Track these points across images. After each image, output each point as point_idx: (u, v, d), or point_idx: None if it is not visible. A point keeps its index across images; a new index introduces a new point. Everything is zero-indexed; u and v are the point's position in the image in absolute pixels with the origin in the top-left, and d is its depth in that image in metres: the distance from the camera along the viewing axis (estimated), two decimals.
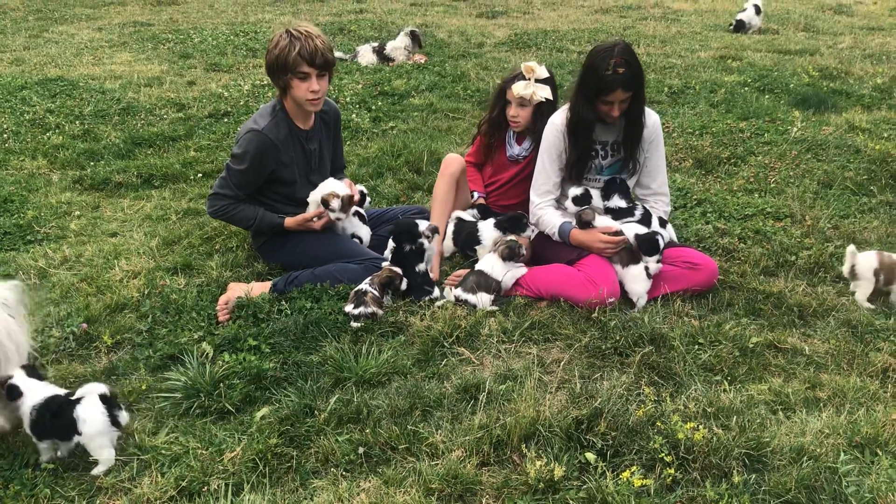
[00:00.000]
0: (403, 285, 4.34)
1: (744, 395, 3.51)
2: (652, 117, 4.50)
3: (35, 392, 3.17)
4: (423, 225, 4.50)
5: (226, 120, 7.86)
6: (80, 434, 3.09)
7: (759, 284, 4.51)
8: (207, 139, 7.30)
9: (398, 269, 4.35)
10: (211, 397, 3.48)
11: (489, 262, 4.41)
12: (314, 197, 4.58)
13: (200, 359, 3.73)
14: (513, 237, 4.57)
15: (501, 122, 5.04)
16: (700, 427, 3.11)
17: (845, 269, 4.46)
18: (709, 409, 3.33)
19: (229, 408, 3.43)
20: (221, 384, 3.53)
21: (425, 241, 4.47)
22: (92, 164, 6.69)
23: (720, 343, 3.90)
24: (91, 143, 7.10)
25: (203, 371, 3.60)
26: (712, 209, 5.54)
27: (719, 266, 4.58)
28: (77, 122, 7.61)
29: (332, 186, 4.55)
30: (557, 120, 4.49)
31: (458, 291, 4.33)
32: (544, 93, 4.81)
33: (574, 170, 4.50)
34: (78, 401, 3.12)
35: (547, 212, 4.58)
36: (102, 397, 3.13)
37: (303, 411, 3.38)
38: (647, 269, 4.29)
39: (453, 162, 5.00)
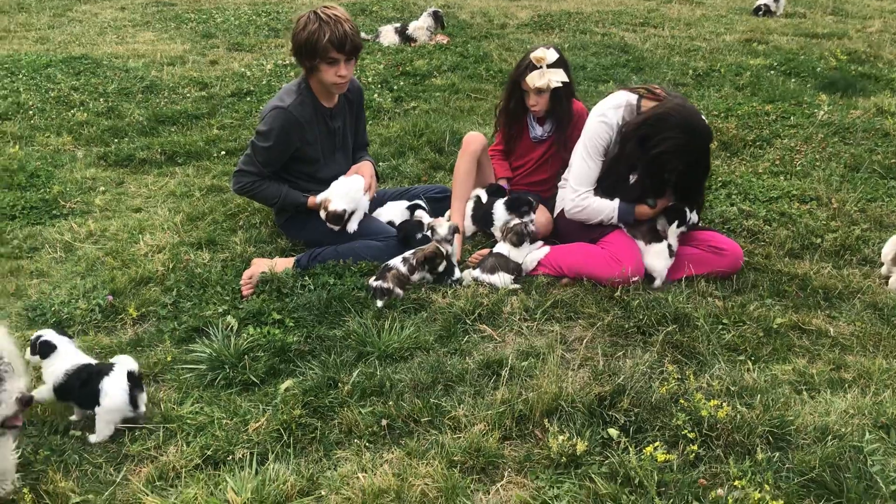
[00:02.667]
0: (442, 267, 4.30)
1: (767, 374, 3.49)
2: None
3: (67, 355, 3.24)
4: (444, 228, 4.42)
5: (248, 99, 7.89)
6: (98, 405, 3.13)
7: (783, 266, 4.48)
8: (230, 118, 7.34)
9: (444, 250, 4.30)
10: (236, 369, 3.51)
11: (506, 247, 4.41)
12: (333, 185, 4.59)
13: (225, 331, 3.76)
14: (518, 220, 4.53)
15: (519, 112, 4.99)
16: (724, 405, 3.10)
17: (887, 256, 4.35)
18: (732, 388, 3.32)
19: (254, 379, 3.46)
20: (246, 356, 3.56)
21: (448, 246, 4.39)
22: (116, 140, 6.74)
23: (744, 323, 3.89)
24: (115, 121, 7.15)
25: (228, 343, 3.64)
26: (737, 191, 5.50)
27: (744, 248, 4.55)
28: (101, 100, 7.67)
29: (337, 192, 4.51)
30: (610, 115, 4.31)
31: (477, 273, 4.33)
32: (559, 77, 4.72)
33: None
34: (107, 372, 3.16)
35: (593, 200, 4.45)
36: (129, 375, 3.16)
37: (326, 384, 3.40)
38: (669, 247, 4.27)
39: (474, 140, 4.97)
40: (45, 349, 3.25)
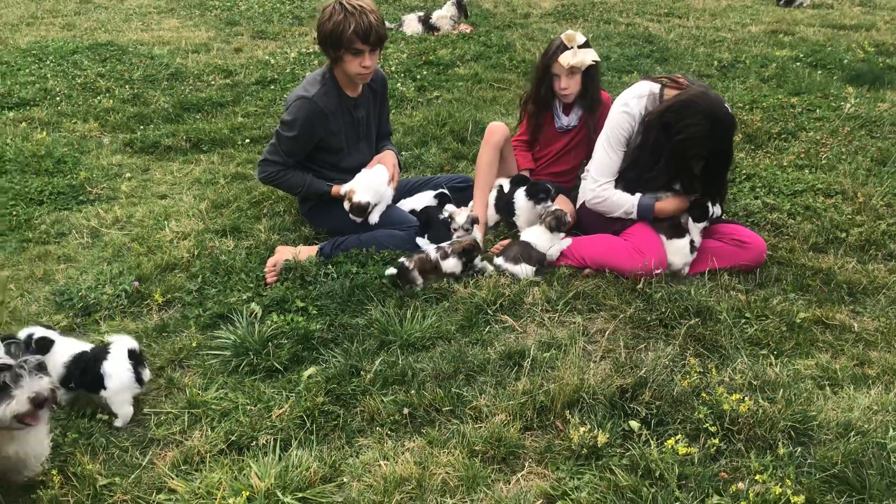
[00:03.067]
0: (478, 260, 4.32)
1: (790, 369, 3.48)
2: None
3: (64, 347, 3.27)
4: (462, 217, 4.47)
5: (272, 87, 7.92)
6: (105, 389, 3.17)
7: (807, 260, 4.44)
8: (255, 105, 7.38)
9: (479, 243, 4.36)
10: (259, 356, 3.55)
11: (534, 234, 4.40)
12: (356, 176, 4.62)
13: (249, 318, 3.80)
14: (558, 207, 4.54)
15: (549, 98, 4.98)
16: (745, 399, 3.10)
17: None
18: (755, 382, 3.32)
19: (277, 366, 3.50)
20: (270, 343, 3.59)
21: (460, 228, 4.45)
22: (142, 127, 6.80)
23: (767, 317, 3.87)
24: (141, 107, 7.21)
25: (252, 330, 3.67)
26: (761, 184, 5.45)
27: (767, 241, 4.52)
28: (127, 87, 7.73)
29: (362, 184, 4.52)
30: (633, 105, 4.29)
31: (500, 261, 4.34)
32: (592, 56, 4.73)
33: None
34: (105, 355, 3.19)
35: (615, 193, 4.44)
36: (130, 353, 3.20)
37: (349, 372, 3.43)
38: (692, 242, 4.26)
39: (497, 130, 4.97)
40: (44, 345, 3.20)
